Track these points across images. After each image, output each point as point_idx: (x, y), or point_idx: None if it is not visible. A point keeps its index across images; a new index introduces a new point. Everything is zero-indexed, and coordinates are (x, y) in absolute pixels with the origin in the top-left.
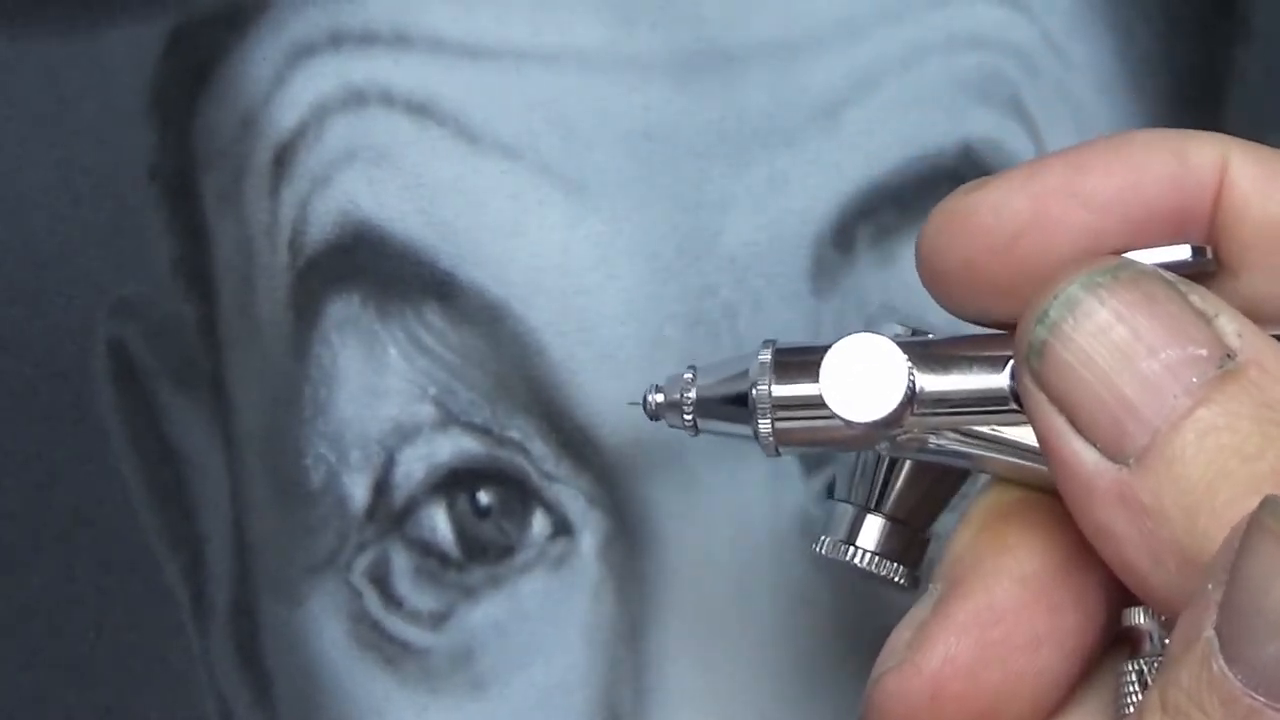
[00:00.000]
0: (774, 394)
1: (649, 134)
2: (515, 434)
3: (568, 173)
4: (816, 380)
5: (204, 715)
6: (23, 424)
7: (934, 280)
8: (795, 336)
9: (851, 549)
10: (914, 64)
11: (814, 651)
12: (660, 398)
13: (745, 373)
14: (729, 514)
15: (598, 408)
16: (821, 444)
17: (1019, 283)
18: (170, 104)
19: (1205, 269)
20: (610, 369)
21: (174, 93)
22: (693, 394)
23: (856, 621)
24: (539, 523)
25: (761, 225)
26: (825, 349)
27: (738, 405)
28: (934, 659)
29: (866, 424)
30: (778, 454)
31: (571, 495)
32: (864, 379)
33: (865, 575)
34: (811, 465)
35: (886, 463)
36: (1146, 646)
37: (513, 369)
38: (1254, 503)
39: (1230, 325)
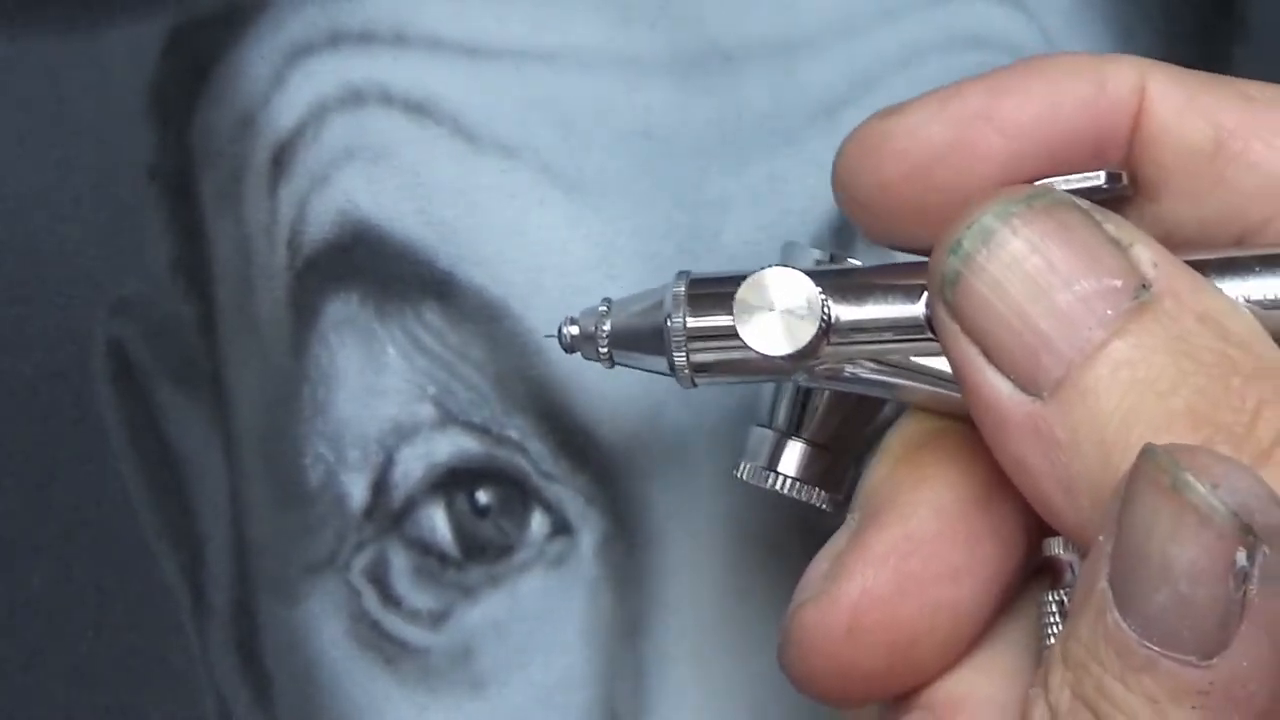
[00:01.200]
0: (688, 325)
1: (648, 133)
2: (514, 433)
3: (567, 172)
4: (730, 312)
5: (204, 714)
6: (22, 424)
7: (851, 205)
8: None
9: (772, 475)
10: (913, 63)
11: None
12: (575, 330)
13: (660, 304)
14: (728, 512)
15: (596, 407)
16: (737, 375)
17: (936, 208)
18: (169, 104)
19: (1122, 194)
20: (610, 369)
21: (173, 92)
22: (607, 326)
23: None
24: (538, 522)
25: (761, 225)
26: (740, 279)
27: (653, 337)
28: (851, 590)
29: (781, 357)
30: (694, 385)
31: (570, 495)
32: (778, 311)
33: (788, 501)
34: None
35: (806, 389)
36: (1067, 576)
37: (511, 368)
38: (1166, 439)
39: (1145, 254)
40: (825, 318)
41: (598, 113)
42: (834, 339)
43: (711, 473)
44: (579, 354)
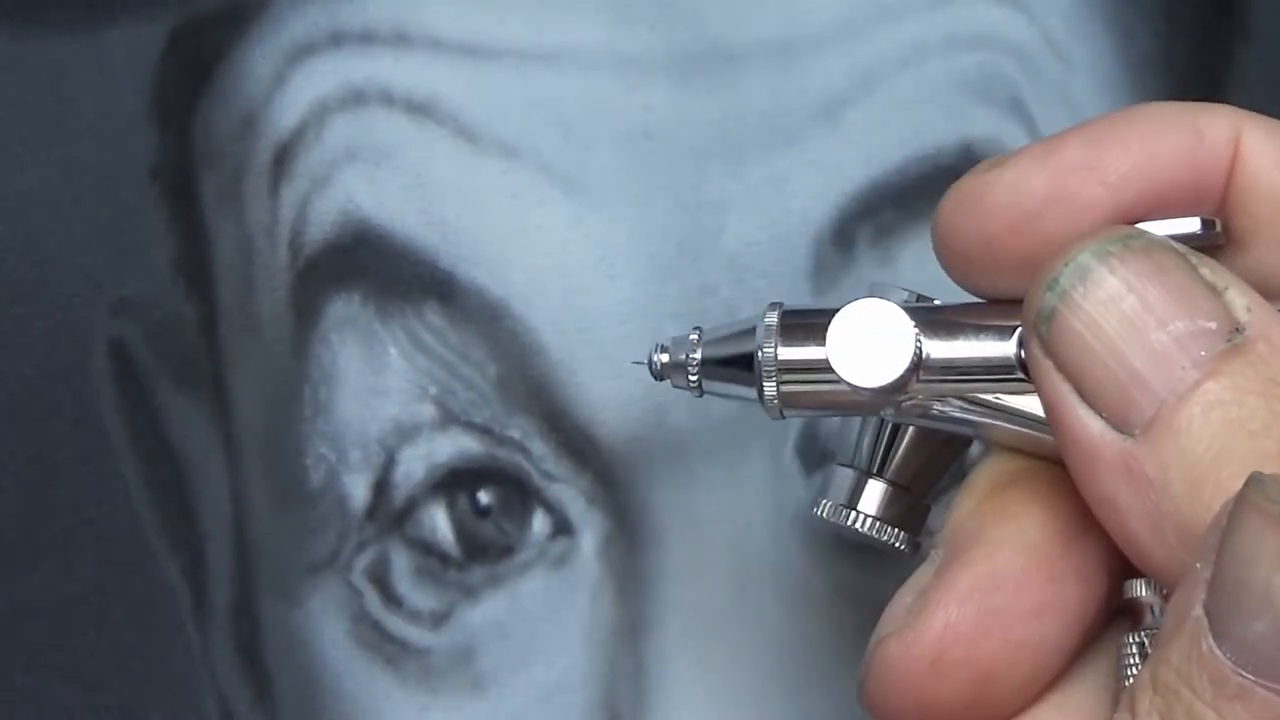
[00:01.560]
0: (780, 356)
1: (649, 133)
2: (515, 433)
3: (568, 172)
4: (823, 344)
5: (205, 715)
6: (23, 424)
7: (951, 259)
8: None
9: (852, 513)
10: (914, 64)
11: (812, 650)
12: (665, 358)
13: (751, 334)
14: (729, 514)
15: (598, 407)
16: (826, 408)
17: (1037, 260)
18: (171, 103)
19: (1215, 242)
20: (610, 369)
21: (174, 92)
22: (698, 354)
23: (856, 621)
24: (539, 522)
25: (762, 225)
26: (833, 312)
27: (743, 367)
28: (935, 625)
29: (872, 389)
30: (782, 417)
31: (571, 495)
32: (871, 344)
33: (865, 540)
34: (812, 465)
35: (889, 427)
36: (1148, 618)
37: (513, 369)
38: None
39: (1239, 299)
40: (917, 353)
41: (598, 113)
42: (924, 375)
43: (713, 473)
44: (668, 381)
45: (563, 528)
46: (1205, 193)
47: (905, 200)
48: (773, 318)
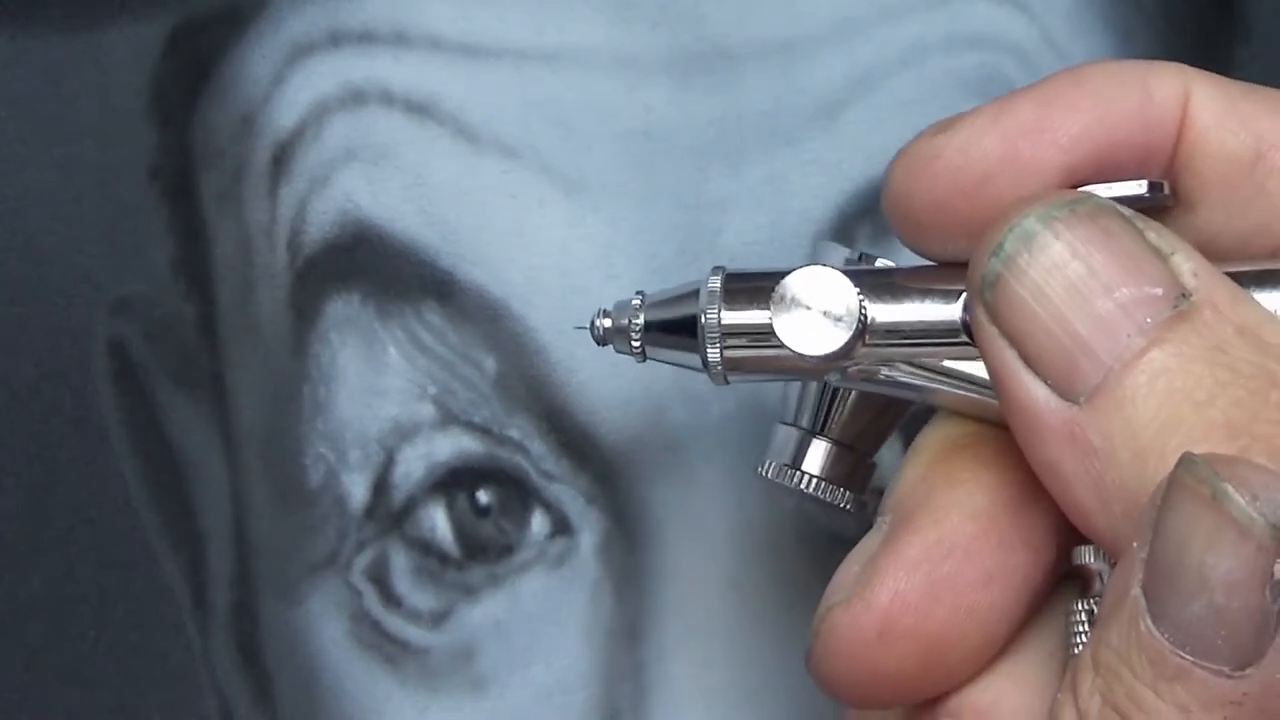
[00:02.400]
0: (723, 321)
1: (649, 133)
2: (514, 433)
3: (567, 172)
4: (767, 309)
5: (205, 714)
6: (23, 423)
7: (902, 222)
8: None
9: (796, 473)
10: (914, 63)
11: None
12: (608, 322)
13: (695, 298)
14: (727, 513)
15: (597, 407)
16: (770, 373)
17: (989, 223)
18: (170, 103)
19: (1163, 204)
20: (609, 368)
21: (173, 92)
22: (641, 319)
23: None
24: (538, 522)
25: (761, 225)
26: (777, 276)
27: (686, 332)
28: (883, 594)
29: (818, 357)
30: (726, 382)
31: (571, 494)
32: (815, 311)
33: (809, 500)
34: None
35: (833, 388)
36: (1096, 586)
37: (512, 368)
38: (1203, 450)
39: (1186, 263)
40: (862, 319)
41: (598, 113)
42: (870, 340)
43: (712, 472)
44: (610, 346)
45: (562, 527)
46: (1154, 153)
47: None
48: (715, 282)
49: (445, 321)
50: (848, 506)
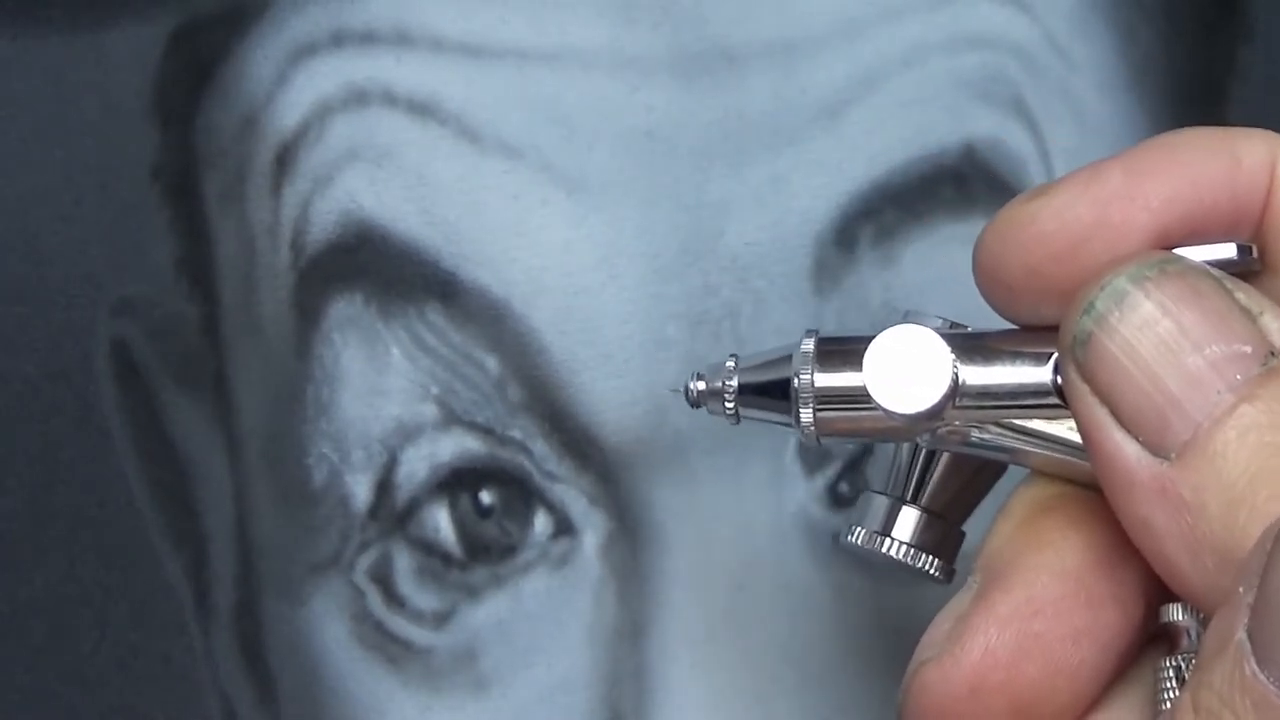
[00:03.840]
0: (816, 384)
1: (651, 134)
2: (517, 434)
3: (570, 172)
4: (859, 370)
5: (208, 715)
6: (25, 424)
7: (994, 288)
8: (797, 337)
9: (887, 540)
10: (916, 63)
11: (815, 651)
12: (702, 385)
13: (788, 361)
14: (730, 513)
15: (600, 407)
16: (863, 435)
17: (1080, 289)
18: (172, 103)
19: (1251, 268)
20: (612, 369)
21: (176, 92)
22: (734, 382)
23: (858, 621)
24: (541, 522)
25: (763, 225)
26: (869, 339)
27: (779, 395)
28: (974, 651)
29: (909, 416)
30: (818, 444)
31: (573, 495)
32: (907, 371)
33: (899, 567)
34: (813, 465)
35: (923, 454)
36: (1184, 643)
37: (515, 369)
38: None
39: (1275, 323)
40: (954, 379)
41: (600, 113)
42: (961, 402)
43: (715, 473)
44: (704, 409)
45: (565, 528)
46: (1243, 218)
47: (907, 200)
48: (809, 344)
49: (448, 322)
50: (938, 574)
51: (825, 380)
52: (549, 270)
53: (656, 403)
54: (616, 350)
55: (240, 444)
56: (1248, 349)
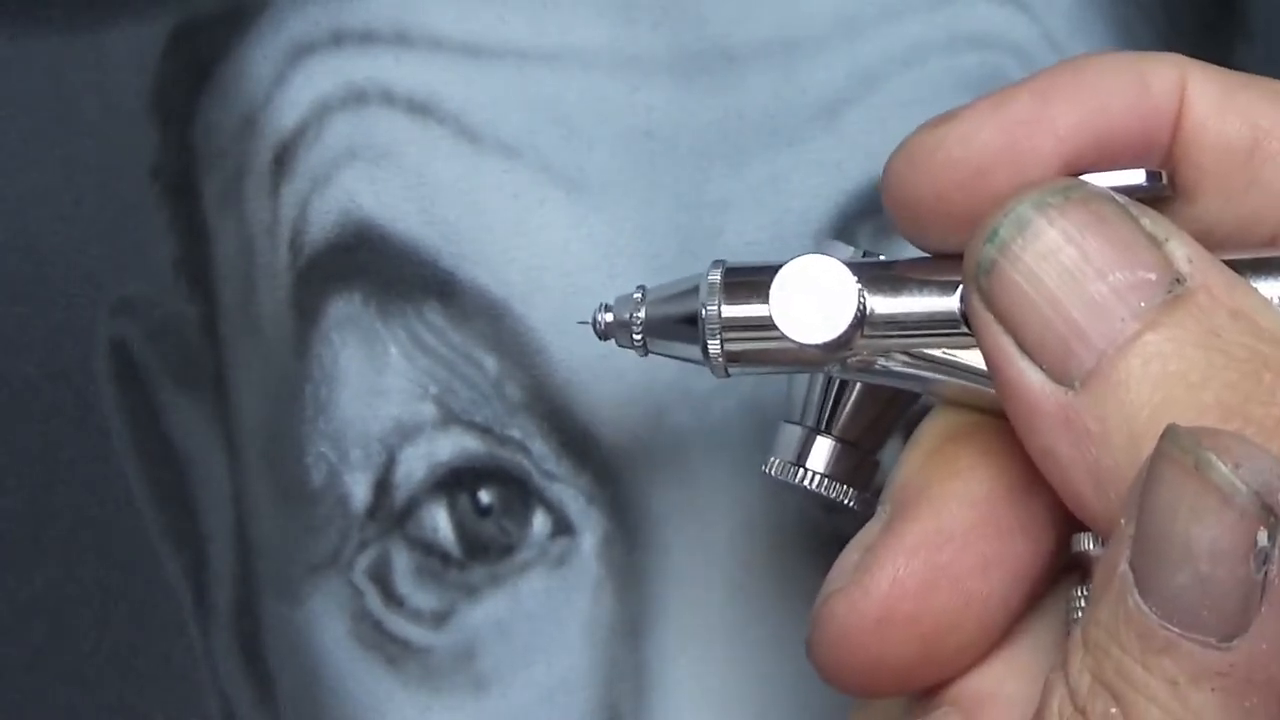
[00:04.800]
0: (723, 314)
1: (650, 133)
2: (516, 433)
3: (569, 172)
4: (766, 300)
5: (207, 714)
6: (24, 424)
7: (901, 214)
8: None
9: (801, 470)
10: (915, 63)
11: None
12: (609, 317)
13: (695, 292)
14: (729, 513)
15: (598, 407)
16: (771, 365)
17: (986, 215)
18: (171, 103)
19: (1161, 194)
20: (611, 368)
21: (175, 92)
22: (642, 313)
23: None
24: (539, 522)
25: (763, 225)
26: (775, 269)
27: (687, 325)
28: (882, 581)
29: (816, 345)
30: (727, 375)
31: (572, 495)
32: (814, 300)
33: (814, 497)
34: None
35: (836, 385)
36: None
37: (513, 368)
38: None
39: (1181, 249)
40: (861, 308)
41: (600, 113)
42: (868, 331)
43: (713, 473)
44: (612, 341)
45: (563, 527)
46: (1152, 143)
47: None
48: (715, 275)
49: (446, 321)
50: (852, 504)
51: (732, 310)
52: (548, 270)
53: (655, 402)
54: (615, 350)
55: (239, 444)
56: (1152, 276)
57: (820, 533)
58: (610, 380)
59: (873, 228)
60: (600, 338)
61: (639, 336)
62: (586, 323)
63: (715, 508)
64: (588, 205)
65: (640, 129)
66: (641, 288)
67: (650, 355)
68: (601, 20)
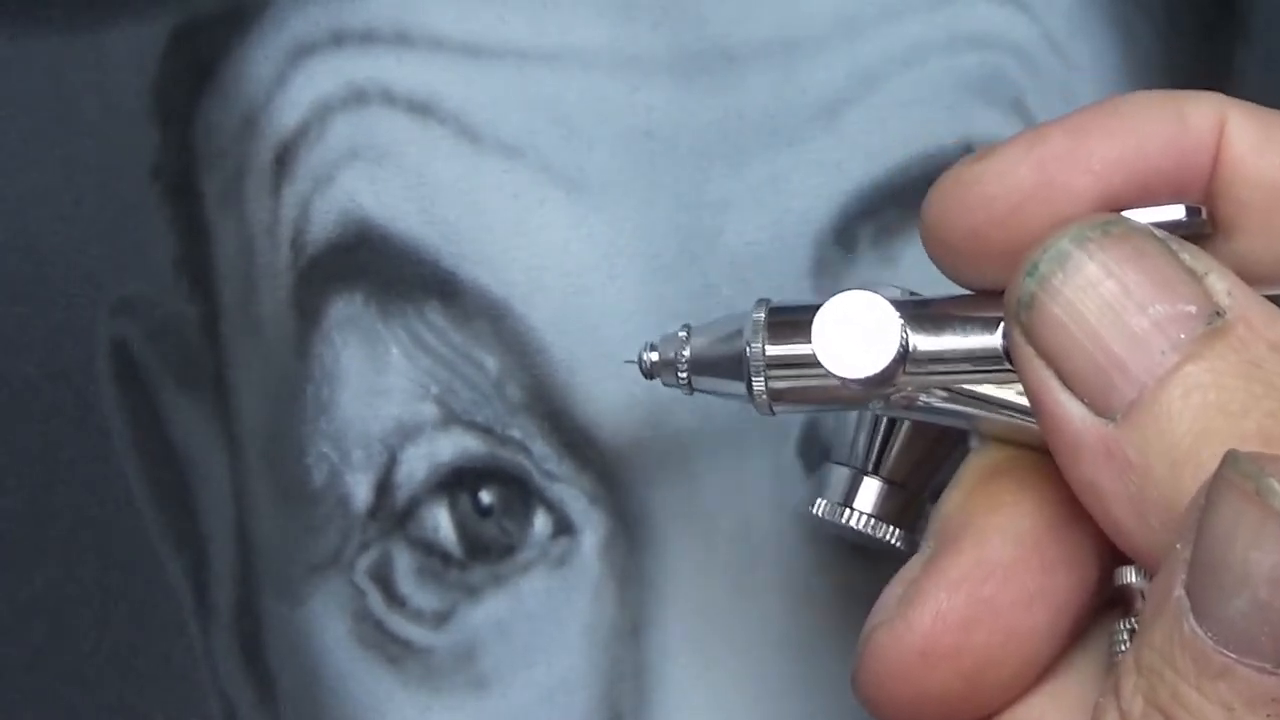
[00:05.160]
0: (767, 352)
1: (650, 133)
2: (517, 433)
3: (569, 172)
4: (809, 339)
5: (208, 714)
6: (24, 424)
7: (939, 250)
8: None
9: (848, 511)
10: (915, 63)
11: (815, 650)
12: (655, 356)
13: (739, 331)
14: (730, 513)
15: (599, 407)
16: (815, 403)
17: (1024, 251)
18: (172, 103)
19: (1200, 230)
20: (612, 368)
21: (176, 92)
22: (687, 352)
23: (858, 620)
24: (541, 522)
25: (763, 225)
26: (818, 306)
27: (732, 364)
28: (925, 615)
29: (859, 381)
30: (771, 413)
31: (573, 495)
32: (857, 336)
33: (862, 538)
34: (813, 465)
35: (884, 425)
36: (1138, 605)
37: (514, 368)
38: None
39: (1220, 283)
40: (903, 344)
41: (600, 113)
42: (911, 367)
43: (714, 473)
44: (658, 380)
45: (564, 527)
46: (1190, 180)
47: (907, 200)
48: (760, 314)
49: (447, 321)
50: (900, 544)
51: (776, 349)
52: (548, 270)
53: (656, 402)
54: (616, 350)
55: (240, 444)
56: (1192, 309)
57: (820, 533)
58: (611, 380)
59: (873, 228)
60: (646, 377)
61: (684, 375)
62: (633, 362)
63: (717, 508)
64: (588, 205)
65: (640, 129)
66: (687, 326)
67: (697, 394)
68: (601, 20)
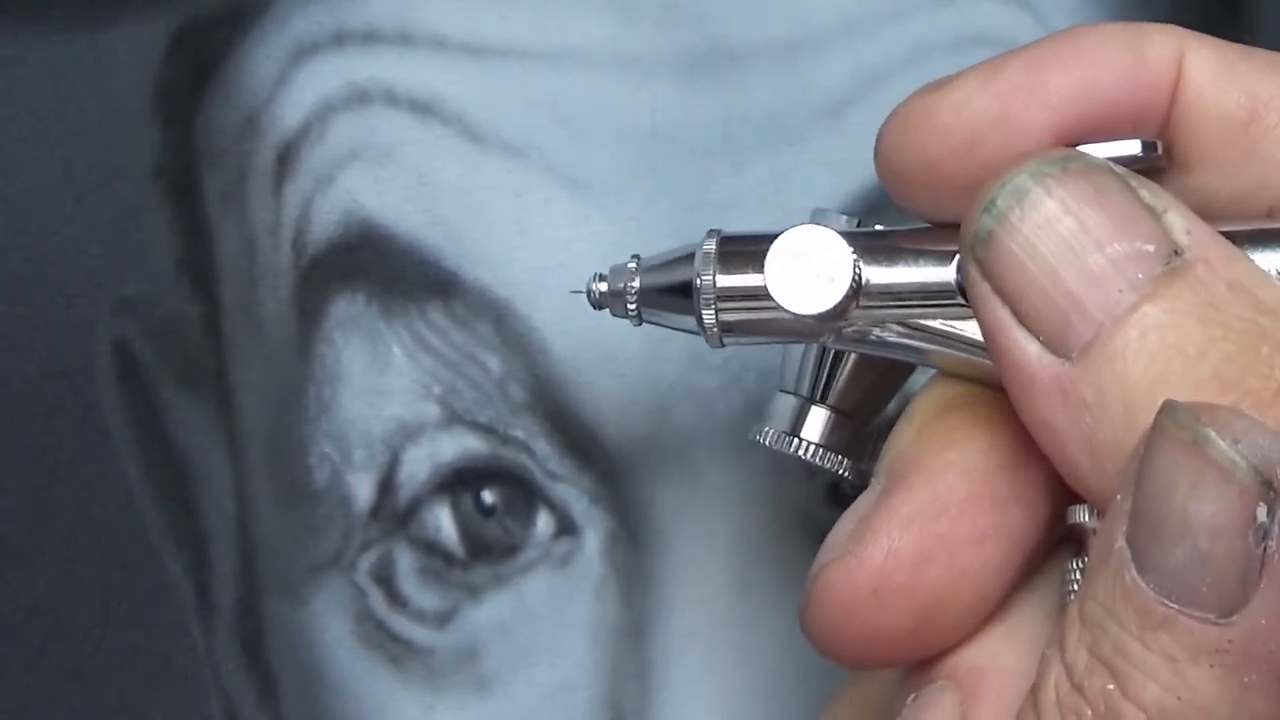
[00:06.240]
0: (718, 284)
1: (653, 133)
2: (519, 433)
3: (571, 172)
4: (761, 270)
5: (209, 714)
6: (26, 423)
7: (893, 180)
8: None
9: (794, 440)
10: (919, 63)
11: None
12: (604, 286)
13: (690, 261)
14: (732, 512)
15: (601, 407)
16: (765, 335)
17: (979, 183)
18: (173, 103)
19: (1157, 164)
20: (614, 368)
21: (177, 92)
22: (636, 283)
23: None
24: (543, 522)
25: (766, 224)
26: (771, 238)
27: (682, 295)
28: (876, 551)
29: (811, 316)
30: (722, 344)
31: (575, 495)
32: (809, 270)
33: (808, 467)
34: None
35: (831, 355)
36: (1091, 544)
37: (516, 368)
38: None
39: (1179, 221)
40: (856, 279)
41: (602, 112)
42: (864, 301)
43: (717, 472)
44: (607, 310)
45: (566, 527)
46: (1148, 114)
47: None
48: (710, 245)
49: (449, 321)
50: (846, 474)
51: (727, 280)
52: (551, 269)
53: (658, 402)
54: (618, 349)
55: (242, 443)
56: (1150, 247)
57: (825, 531)
58: (613, 379)
59: None
60: (594, 307)
61: (633, 306)
62: (580, 292)
63: (719, 507)
64: (590, 205)
65: (643, 128)
66: (636, 257)
67: (644, 324)
68: (604, 19)
